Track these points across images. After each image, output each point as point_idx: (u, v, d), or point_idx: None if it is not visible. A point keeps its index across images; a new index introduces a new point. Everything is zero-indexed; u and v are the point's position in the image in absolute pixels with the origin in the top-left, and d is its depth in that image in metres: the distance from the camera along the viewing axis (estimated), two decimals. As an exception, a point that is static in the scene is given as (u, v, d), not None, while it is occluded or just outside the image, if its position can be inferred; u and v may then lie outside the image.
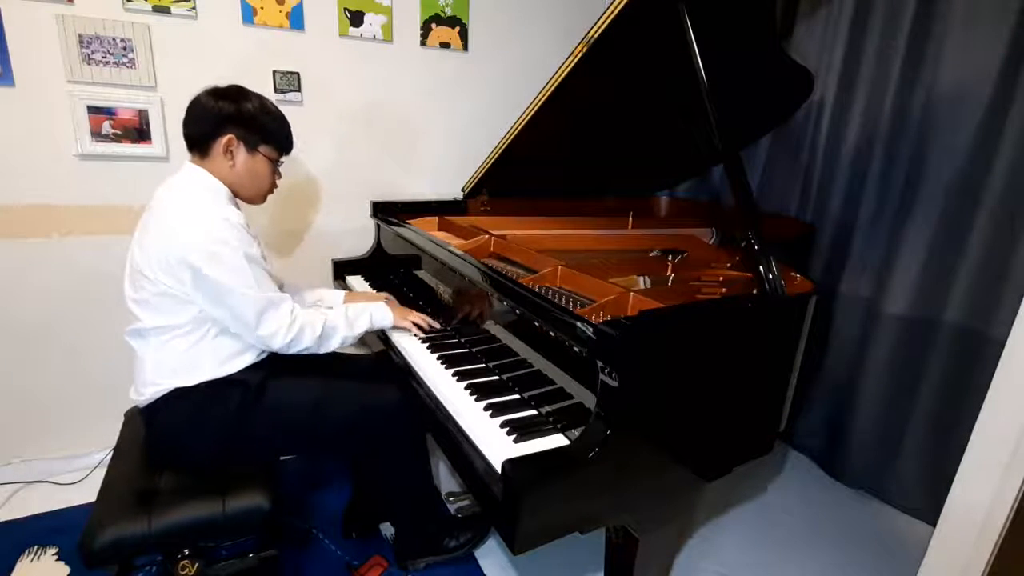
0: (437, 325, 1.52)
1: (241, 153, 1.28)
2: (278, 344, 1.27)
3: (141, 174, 1.85)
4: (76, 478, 1.92)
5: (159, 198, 1.25)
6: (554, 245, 1.77)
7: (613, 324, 0.94)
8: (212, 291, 1.18)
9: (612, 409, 0.94)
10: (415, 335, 1.49)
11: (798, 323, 1.25)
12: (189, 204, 1.20)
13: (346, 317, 1.39)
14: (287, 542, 1.65)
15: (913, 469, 1.87)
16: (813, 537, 1.80)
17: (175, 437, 1.26)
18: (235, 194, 1.32)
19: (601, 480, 0.96)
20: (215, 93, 1.26)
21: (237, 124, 1.25)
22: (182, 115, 1.26)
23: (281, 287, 1.59)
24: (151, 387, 1.24)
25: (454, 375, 1.30)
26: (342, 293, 1.69)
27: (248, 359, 1.31)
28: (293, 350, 1.30)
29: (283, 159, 1.38)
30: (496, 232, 1.74)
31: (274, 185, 1.39)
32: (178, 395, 1.24)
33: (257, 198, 1.38)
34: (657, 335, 1.01)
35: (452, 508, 1.71)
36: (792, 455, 2.28)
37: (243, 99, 1.27)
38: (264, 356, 1.34)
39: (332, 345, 1.36)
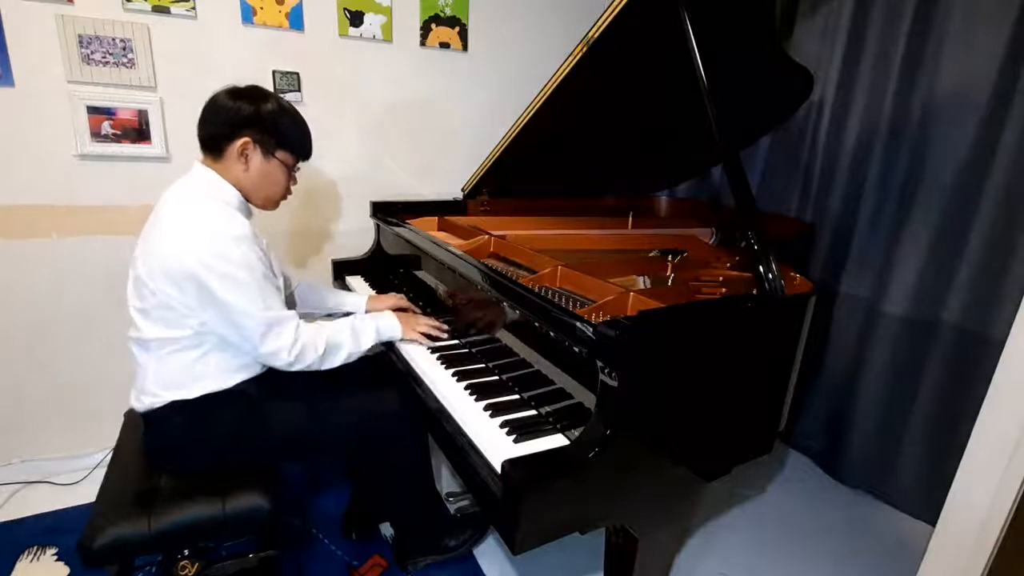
0: (448, 329, 1.47)
1: (256, 157, 1.24)
2: (281, 363, 1.24)
3: (141, 174, 1.85)
4: (76, 478, 1.92)
5: (165, 203, 1.21)
6: (554, 245, 1.77)
7: (613, 324, 0.94)
8: (217, 307, 1.15)
9: (612, 409, 0.94)
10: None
11: (798, 323, 1.25)
12: (196, 214, 1.16)
13: (352, 332, 1.35)
14: (287, 542, 1.65)
15: (913, 469, 1.87)
16: (813, 537, 1.80)
17: (174, 446, 1.26)
18: (246, 199, 1.28)
19: (601, 480, 0.95)
20: (233, 93, 1.21)
21: (255, 127, 1.21)
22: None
23: (290, 296, 1.59)
24: (150, 397, 1.23)
25: (454, 375, 1.30)
26: (364, 298, 1.67)
27: (248, 372, 1.30)
28: (296, 368, 1.27)
29: (300, 165, 1.34)
30: (496, 232, 1.73)
31: (288, 191, 1.35)
32: (178, 407, 1.23)
33: (269, 204, 1.34)
34: (657, 335, 1.01)
35: (452, 508, 1.71)
36: (792, 455, 2.28)
37: (262, 101, 1.22)
38: (264, 368, 1.33)
39: (336, 361, 1.32)
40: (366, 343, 1.37)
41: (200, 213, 1.16)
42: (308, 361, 1.27)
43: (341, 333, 1.33)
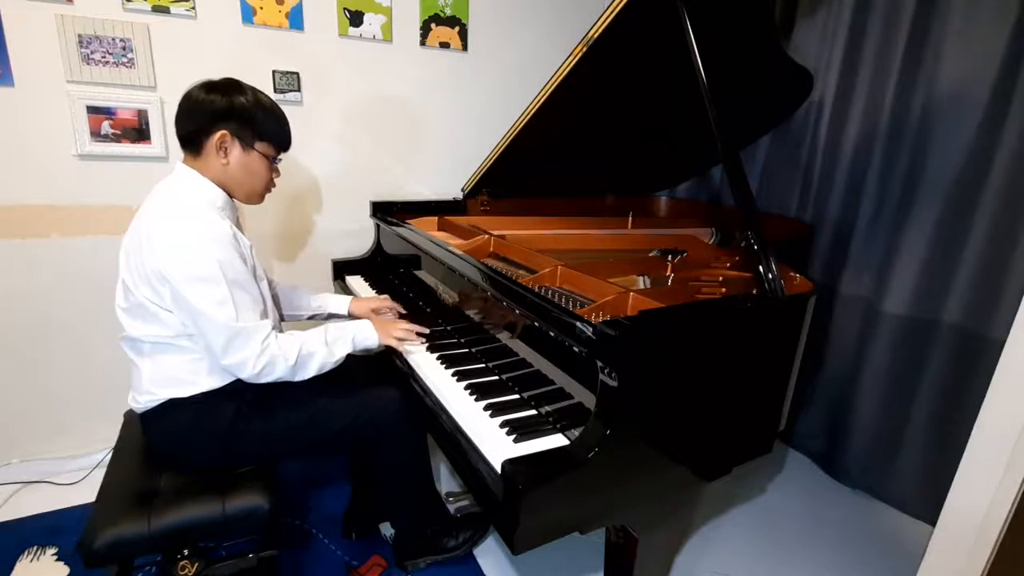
0: (425, 330, 1.44)
1: (235, 150, 1.22)
2: (246, 374, 1.20)
3: (140, 174, 1.85)
4: (76, 478, 1.92)
5: (146, 204, 1.21)
6: (554, 245, 1.77)
7: (613, 324, 0.94)
8: (188, 312, 1.15)
9: (612, 409, 0.94)
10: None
11: (798, 323, 1.25)
12: (174, 215, 1.14)
13: (325, 342, 1.31)
14: (287, 542, 1.65)
15: (913, 469, 1.87)
16: (813, 537, 1.80)
17: (172, 445, 1.26)
18: (229, 194, 1.27)
19: (601, 480, 0.96)
20: (207, 87, 1.20)
21: (230, 119, 1.19)
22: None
23: (274, 297, 1.56)
24: (147, 396, 1.23)
25: (454, 375, 1.30)
26: (347, 300, 1.65)
27: None
28: (264, 380, 1.23)
29: (281, 156, 1.32)
30: (496, 232, 1.74)
31: (271, 184, 1.33)
32: (174, 405, 1.22)
33: (253, 198, 1.32)
34: (657, 335, 1.01)
35: (452, 508, 1.71)
36: (792, 455, 2.27)
37: (236, 93, 1.20)
38: None
39: (309, 372, 1.28)
40: (340, 352, 1.33)
41: (178, 215, 1.15)
42: (278, 373, 1.23)
43: (315, 343, 1.29)
